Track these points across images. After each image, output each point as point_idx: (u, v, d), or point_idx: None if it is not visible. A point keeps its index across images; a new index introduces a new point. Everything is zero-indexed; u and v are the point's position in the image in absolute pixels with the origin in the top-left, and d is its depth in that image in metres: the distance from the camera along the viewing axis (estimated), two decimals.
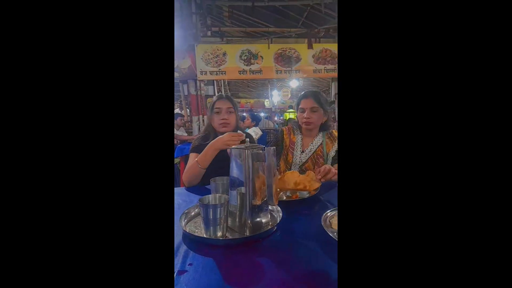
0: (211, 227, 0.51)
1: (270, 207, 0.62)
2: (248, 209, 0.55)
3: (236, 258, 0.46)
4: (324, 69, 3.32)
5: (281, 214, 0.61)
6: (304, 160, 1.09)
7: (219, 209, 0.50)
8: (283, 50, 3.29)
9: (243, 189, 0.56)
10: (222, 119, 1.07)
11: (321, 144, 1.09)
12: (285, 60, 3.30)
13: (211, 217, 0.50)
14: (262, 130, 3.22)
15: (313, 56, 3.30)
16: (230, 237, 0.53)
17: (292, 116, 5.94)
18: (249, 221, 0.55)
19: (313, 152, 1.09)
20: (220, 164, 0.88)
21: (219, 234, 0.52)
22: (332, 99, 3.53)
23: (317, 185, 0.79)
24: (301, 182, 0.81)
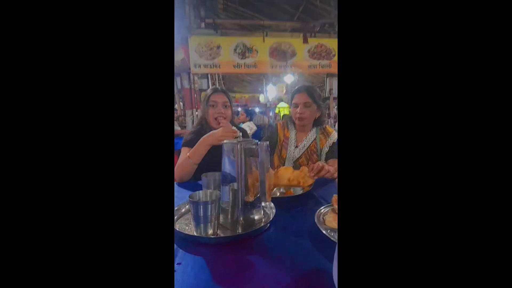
0: (202, 225, 0.49)
1: (263, 204, 0.60)
2: (240, 206, 0.54)
3: (227, 256, 0.44)
4: (319, 65, 3.30)
5: (274, 211, 0.60)
6: (297, 156, 1.08)
7: (209, 206, 0.48)
8: (278, 44, 3.25)
9: (235, 185, 0.54)
10: (218, 113, 1.04)
11: (314, 139, 1.08)
12: (280, 54, 3.26)
13: (202, 215, 0.48)
14: (256, 125, 3.19)
15: (309, 51, 3.27)
16: (222, 234, 0.52)
17: (286, 112, 5.93)
18: (241, 218, 0.54)
19: (307, 148, 1.08)
20: (213, 160, 0.86)
21: (210, 232, 0.50)
22: (326, 95, 3.52)
23: (311, 181, 0.78)
24: (295, 178, 0.80)
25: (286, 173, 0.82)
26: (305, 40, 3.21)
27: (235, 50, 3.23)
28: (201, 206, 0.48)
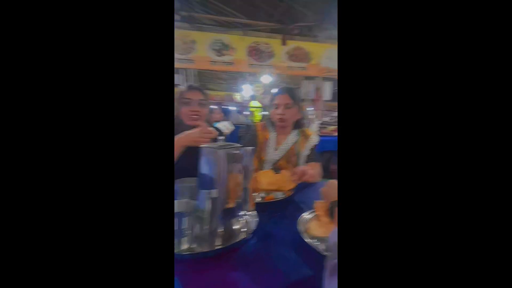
0: (175, 240, 0.43)
1: (244, 212, 0.56)
2: (219, 215, 0.49)
3: (205, 275, 0.39)
4: (297, 67, 3.35)
5: (256, 219, 0.56)
6: (277, 158, 1.05)
7: (184, 218, 0.43)
8: (257, 44, 3.23)
9: (214, 193, 0.49)
10: (192, 111, 0.97)
11: (295, 142, 1.07)
12: (259, 54, 3.24)
13: (175, 228, 0.42)
14: (234, 125, 3.12)
15: (287, 53, 3.30)
16: (199, 249, 0.46)
17: (261, 112, 5.95)
18: (220, 229, 0.49)
19: (287, 150, 1.06)
20: (187, 163, 0.79)
21: (185, 247, 0.44)
22: (303, 97, 3.60)
23: (292, 185, 0.76)
24: (275, 182, 0.77)
25: (266, 177, 0.79)
26: (284, 42, 3.24)
27: (211, 46, 3.12)
28: (175, 219, 0.42)
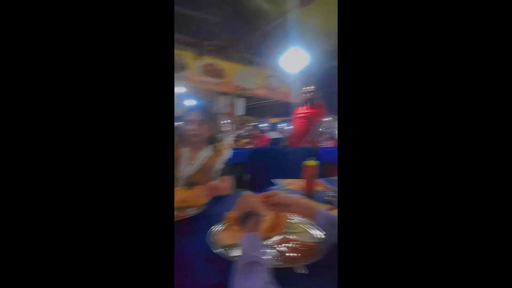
0: None
1: None
2: None
3: None
4: (211, 82, 3.44)
5: None
6: (191, 173, 1.05)
7: None
8: None
9: None
10: None
11: (208, 157, 1.10)
12: None
13: None
14: None
15: (201, 67, 3.34)
16: None
17: None
18: None
19: (201, 165, 1.07)
20: None
21: None
22: (216, 112, 3.71)
23: (204, 200, 0.78)
24: (188, 199, 0.77)
25: (178, 195, 0.78)
26: (197, 57, 3.27)
27: None
28: None
